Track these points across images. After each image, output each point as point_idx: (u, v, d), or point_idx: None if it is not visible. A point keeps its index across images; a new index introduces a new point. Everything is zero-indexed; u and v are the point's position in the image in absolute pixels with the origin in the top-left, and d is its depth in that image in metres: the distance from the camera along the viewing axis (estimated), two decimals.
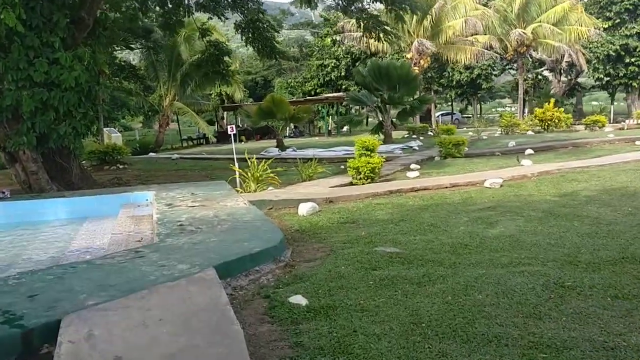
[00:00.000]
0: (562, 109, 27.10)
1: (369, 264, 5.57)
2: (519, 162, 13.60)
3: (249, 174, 10.61)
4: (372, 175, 11.31)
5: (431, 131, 30.67)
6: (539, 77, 48.46)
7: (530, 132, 25.32)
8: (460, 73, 44.98)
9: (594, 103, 70.45)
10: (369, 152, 11.56)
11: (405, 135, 28.00)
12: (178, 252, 5.64)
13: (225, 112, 46.64)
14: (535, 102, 40.33)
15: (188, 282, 4.73)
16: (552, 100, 27.76)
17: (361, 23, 17.10)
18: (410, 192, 10.25)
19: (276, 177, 10.94)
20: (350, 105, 47.21)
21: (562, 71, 44.31)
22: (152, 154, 26.75)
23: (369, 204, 9.30)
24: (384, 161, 12.39)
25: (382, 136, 23.00)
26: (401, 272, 5.24)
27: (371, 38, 18.51)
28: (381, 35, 17.34)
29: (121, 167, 18.23)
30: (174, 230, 6.80)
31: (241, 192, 10.42)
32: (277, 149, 23.02)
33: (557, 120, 25.63)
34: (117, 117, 32.13)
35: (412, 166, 13.96)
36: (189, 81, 33.92)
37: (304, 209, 8.70)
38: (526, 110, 41.80)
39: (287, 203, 9.49)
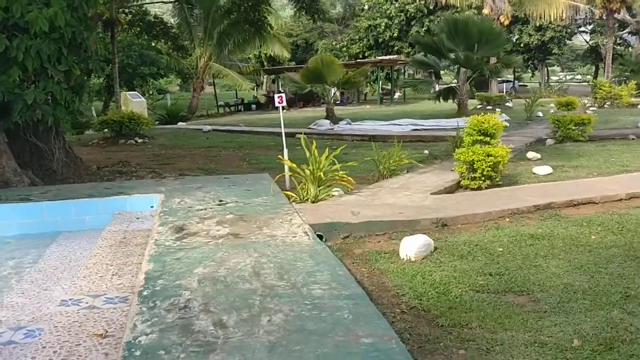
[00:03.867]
0: None
1: None
2: None
3: (307, 172, 6.78)
4: (492, 173, 7.37)
5: (509, 101, 26.04)
6: (618, 41, 42.69)
7: None
8: (530, 35, 39.59)
9: None
10: (487, 139, 7.56)
11: (479, 106, 23.57)
12: None
13: (265, 76, 42.78)
14: (619, 70, 35.16)
15: None
16: None
17: None
18: (569, 209, 6.31)
19: (348, 177, 7.06)
20: (404, 70, 42.80)
21: None
22: (181, 124, 23.17)
23: (517, 235, 5.40)
24: None
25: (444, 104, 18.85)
26: None
27: None
28: None
29: (139, 141, 14.67)
30: (166, 329, 3.12)
31: (295, 200, 6.67)
32: (328, 120, 19.12)
33: None
34: (145, 74, 28.85)
35: (530, 155, 9.91)
36: (227, 40, 29.98)
37: (410, 248, 4.90)
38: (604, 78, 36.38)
39: (373, 227, 5.68)
